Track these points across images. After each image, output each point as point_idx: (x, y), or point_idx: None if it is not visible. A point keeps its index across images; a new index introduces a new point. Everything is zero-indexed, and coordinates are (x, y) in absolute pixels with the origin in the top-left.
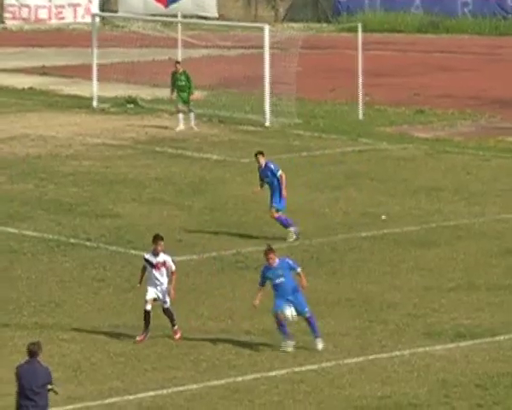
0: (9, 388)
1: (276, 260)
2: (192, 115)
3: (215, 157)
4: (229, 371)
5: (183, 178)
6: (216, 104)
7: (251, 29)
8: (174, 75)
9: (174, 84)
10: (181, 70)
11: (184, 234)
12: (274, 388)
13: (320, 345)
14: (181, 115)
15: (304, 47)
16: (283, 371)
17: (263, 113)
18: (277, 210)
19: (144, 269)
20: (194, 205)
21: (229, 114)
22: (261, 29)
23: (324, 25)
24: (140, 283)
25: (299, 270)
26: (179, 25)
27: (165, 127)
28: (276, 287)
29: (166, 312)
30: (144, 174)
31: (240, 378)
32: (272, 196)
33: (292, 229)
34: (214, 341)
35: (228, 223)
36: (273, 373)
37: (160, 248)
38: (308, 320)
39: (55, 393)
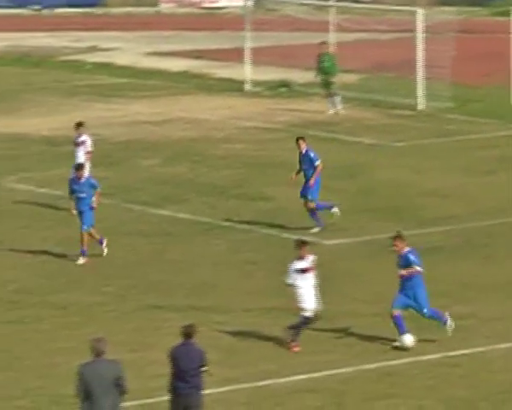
0: (163, 369)
1: (404, 249)
2: (337, 99)
3: (368, 141)
4: (383, 355)
5: (336, 162)
6: (369, 88)
7: (404, 13)
8: (319, 57)
9: (319, 66)
10: (326, 51)
11: (337, 218)
12: (427, 372)
13: None
14: (331, 98)
15: (457, 31)
16: (437, 356)
17: (416, 97)
18: (312, 200)
19: (294, 285)
20: (347, 189)
21: (382, 98)
22: (414, 13)
23: (477, 8)
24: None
25: (418, 269)
26: (332, 8)
27: (318, 111)
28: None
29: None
30: (297, 157)
31: (393, 362)
32: (306, 184)
33: (335, 209)
34: (367, 324)
35: (381, 207)
36: (426, 357)
37: (306, 251)
38: (429, 317)
39: (210, 375)
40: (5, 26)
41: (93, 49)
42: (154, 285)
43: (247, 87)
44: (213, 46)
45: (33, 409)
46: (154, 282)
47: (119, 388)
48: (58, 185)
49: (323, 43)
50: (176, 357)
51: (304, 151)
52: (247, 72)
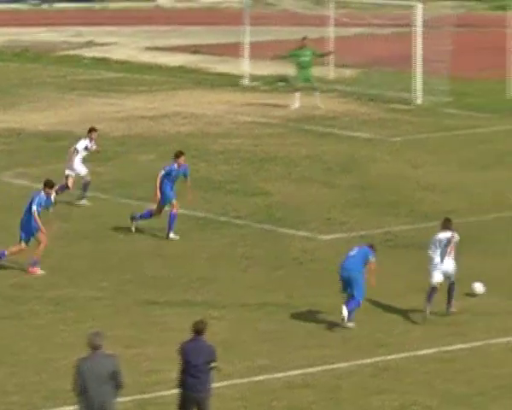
0: (159, 364)
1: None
2: (317, 93)
3: (364, 135)
4: (378, 350)
5: (333, 157)
6: (366, 82)
7: (402, 7)
8: (298, 51)
9: (297, 60)
10: (307, 46)
11: (333, 212)
12: (423, 367)
13: None
14: (298, 93)
15: (454, 25)
16: (432, 351)
17: (414, 91)
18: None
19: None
20: (343, 183)
21: (380, 93)
22: (413, 7)
23: (475, 3)
24: None
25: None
26: (331, 3)
27: (316, 106)
28: None
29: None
30: (294, 152)
31: (389, 357)
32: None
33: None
34: (363, 319)
35: (377, 201)
36: (422, 352)
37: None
38: None
39: (219, 370)
40: (4, 21)
41: (90, 43)
42: (150, 280)
43: (245, 82)
44: (211, 41)
45: (27, 405)
46: (150, 277)
47: (115, 382)
48: (55, 181)
49: (305, 38)
50: (186, 352)
51: (180, 166)
52: (244, 66)
